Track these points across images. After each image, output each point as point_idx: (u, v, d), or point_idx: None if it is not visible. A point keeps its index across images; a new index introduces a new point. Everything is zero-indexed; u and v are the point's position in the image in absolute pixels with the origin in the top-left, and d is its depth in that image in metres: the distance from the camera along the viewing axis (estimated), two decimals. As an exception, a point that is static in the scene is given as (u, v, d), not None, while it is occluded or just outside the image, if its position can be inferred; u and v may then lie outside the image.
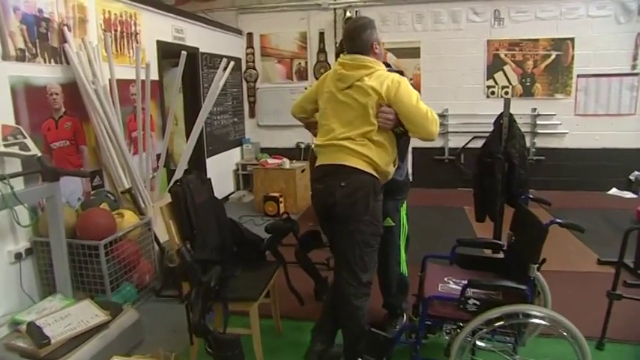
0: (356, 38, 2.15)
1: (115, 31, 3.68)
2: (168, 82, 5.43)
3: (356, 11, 5.98)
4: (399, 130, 2.12)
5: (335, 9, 6.17)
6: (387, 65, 2.45)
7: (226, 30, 6.06)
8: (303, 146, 6.60)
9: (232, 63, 4.08)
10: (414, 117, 2.02)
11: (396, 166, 2.24)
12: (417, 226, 4.69)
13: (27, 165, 2.73)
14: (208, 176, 2.54)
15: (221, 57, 5.98)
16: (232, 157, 6.49)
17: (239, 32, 6.44)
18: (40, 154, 2.63)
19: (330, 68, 6.19)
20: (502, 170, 3.29)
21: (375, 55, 2.17)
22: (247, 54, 6.60)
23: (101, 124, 3.14)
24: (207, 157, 5.62)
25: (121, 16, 3.74)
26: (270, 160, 5.90)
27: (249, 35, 6.52)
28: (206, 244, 2.34)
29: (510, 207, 3.31)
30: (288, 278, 2.72)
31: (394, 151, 2.16)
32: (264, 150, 6.74)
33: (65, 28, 3.11)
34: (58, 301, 2.65)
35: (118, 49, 3.72)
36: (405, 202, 2.50)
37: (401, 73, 2.41)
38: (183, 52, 3.23)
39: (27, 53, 2.84)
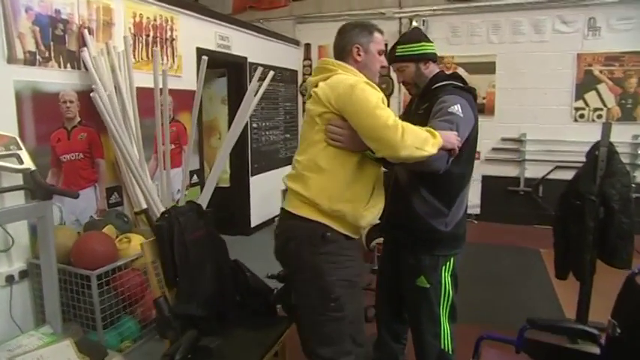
0: (336, 37, 1.72)
1: (147, 36, 3.40)
2: (212, 94, 5.17)
3: (423, 20, 5.39)
4: (369, 154, 1.58)
5: (400, 18, 5.61)
6: (456, 78, 1.86)
7: (281, 40, 5.72)
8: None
9: (272, 73, 3.66)
10: (370, 128, 1.48)
11: (376, 210, 1.68)
12: (480, 270, 4.02)
13: (28, 180, 2.45)
14: (207, 208, 2.10)
15: (274, 68, 5.64)
16: (282, 175, 6.08)
17: (296, 43, 6.08)
18: (33, 169, 2.32)
19: (393, 82, 5.76)
20: (595, 216, 2.54)
21: (355, 62, 1.67)
22: (304, 66, 6.22)
23: (116, 136, 2.81)
24: (252, 175, 5.25)
25: (155, 20, 3.46)
26: (319, 181, 5.40)
27: (307, 46, 6.14)
28: (195, 293, 1.87)
29: (605, 264, 2.58)
30: (302, 338, 2.17)
31: (356, 183, 1.60)
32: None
33: (86, 31, 2.84)
34: (37, 337, 2.30)
35: (150, 56, 3.44)
36: (453, 261, 1.87)
37: (472, 92, 1.84)
38: (204, 58, 2.84)
39: (38, 56, 2.59)
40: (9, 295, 2.48)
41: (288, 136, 6.12)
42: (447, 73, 1.92)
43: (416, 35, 1.93)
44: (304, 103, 6.21)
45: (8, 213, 2.21)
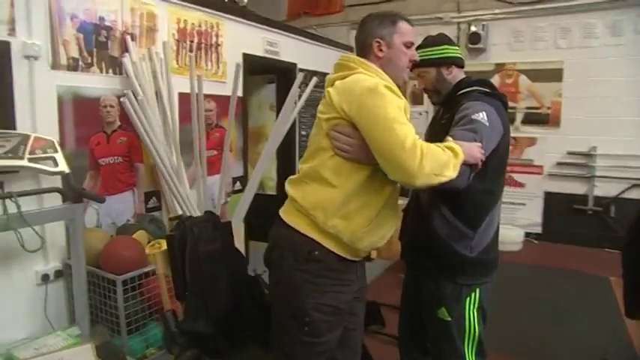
0: (357, 31, 1.56)
1: (191, 41, 3.42)
2: (262, 100, 5.17)
3: (483, 25, 5.06)
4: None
5: (459, 23, 5.32)
6: (484, 84, 1.65)
7: (334, 46, 5.61)
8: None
9: (315, 79, 3.56)
10: (384, 145, 1.28)
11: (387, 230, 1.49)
12: (534, 296, 3.64)
13: (65, 182, 2.50)
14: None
15: (325, 75, 5.53)
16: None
17: (350, 49, 5.94)
18: (67, 172, 2.36)
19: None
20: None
21: (377, 59, 1.47)
22: (356, 73, 6.07)
23: (147, 141, 2.82)
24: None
25: (200, 25, 3.47)
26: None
27: (360, 53, 5.99)
28: (205, 309, 1.79)
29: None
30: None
31: (360, 199, 1.40)
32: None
33: (128, 37, 2.89)
34: (63, 337, 2.34)
35: (194, 62, 3.45)
36: (479, 292, 1.63)
37: (502, 98, 1.63)
38: (238, 63, 2.79)
39: (80, 62, 2.65)
40: (44, 294, 2.54)
41: (337, 143, 5.99)
42: (474, 78, 1.72)
43: (438, 38, 1.76)
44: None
45: (40, 214, 2.25)
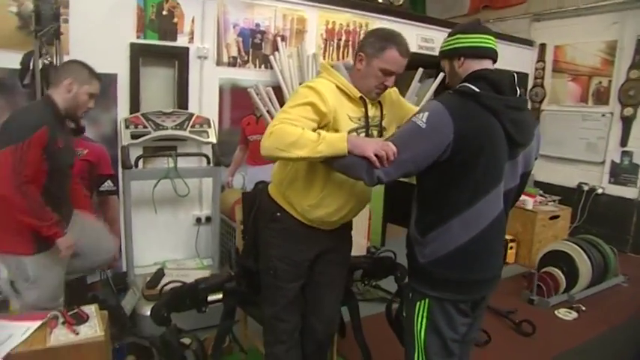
0: None
1: (339, 40, 3.89)
2: (421, 94, 5.31)
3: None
4: None
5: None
6: (478, 78, 1.41)
7: (508, 40, 5.31)
8: (586, 188, 5.12)
9: (420, 70, 3.63)
10: None
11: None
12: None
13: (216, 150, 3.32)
14: None
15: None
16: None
17: (529, 43, 5.52)
18: (214, 142, 3.15)
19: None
20: None
21: (357, 70, 1.61)
22: (536, 69, 5.58)
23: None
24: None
25: (348, 25, 3.91)
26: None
27: (542, 46, 5.48)
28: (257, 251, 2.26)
29: None
30: (357, 325, 2.28)
31: (301, 179, 1.65)
32: (537, 184, 5.62)
33: (279, 38, 3.54)
34: (197, 263, 3.18)
35: (340, 58, 3.93)
36: (428, 304, 1.51)
37: (482, 100, 1.39)
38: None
39: (238, 60, 3.42)
40: (196, 232, 3.43)
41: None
42: (481, 72, 1.43)
43: (455, 28, 1.56)
44: (534, 109, 5.65)
45: (190, 170, 3.10)
